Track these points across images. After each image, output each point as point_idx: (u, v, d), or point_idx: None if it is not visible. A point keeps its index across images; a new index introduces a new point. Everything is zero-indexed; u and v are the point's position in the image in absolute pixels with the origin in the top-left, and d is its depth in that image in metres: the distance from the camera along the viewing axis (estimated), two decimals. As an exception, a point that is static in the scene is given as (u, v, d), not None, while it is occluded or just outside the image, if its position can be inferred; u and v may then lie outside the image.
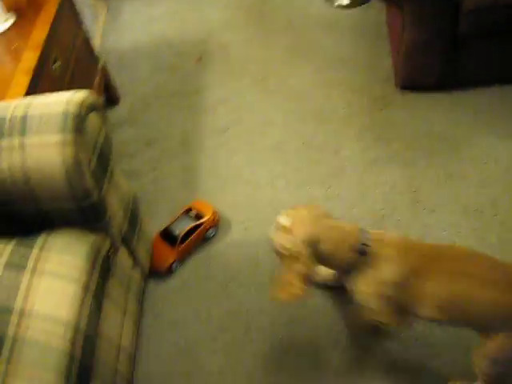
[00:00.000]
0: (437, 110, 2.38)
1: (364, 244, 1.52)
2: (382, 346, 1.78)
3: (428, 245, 1.58)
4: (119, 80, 2.77)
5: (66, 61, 2.16)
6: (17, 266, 1.55)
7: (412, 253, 1.51)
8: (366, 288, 1.56)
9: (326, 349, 1.82)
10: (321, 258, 1.55)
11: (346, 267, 1.56)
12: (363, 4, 2.83)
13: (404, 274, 1.48)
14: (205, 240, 2.14)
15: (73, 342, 1.44)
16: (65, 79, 2.13)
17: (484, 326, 1.49)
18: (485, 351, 1.50)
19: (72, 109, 1.56)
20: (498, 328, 1.44)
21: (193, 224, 2.08)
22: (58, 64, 2.09)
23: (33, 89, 1.87)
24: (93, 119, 1.63)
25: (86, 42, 2.40)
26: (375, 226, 2.08)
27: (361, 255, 1.51)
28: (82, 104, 1.58)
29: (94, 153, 1.62)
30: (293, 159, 2.34)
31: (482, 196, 2.11)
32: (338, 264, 1.58)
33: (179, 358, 1.91)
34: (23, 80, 1.87)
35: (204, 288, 2.04)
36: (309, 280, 1.56)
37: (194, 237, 2.07)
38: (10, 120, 1.57)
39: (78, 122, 1.55)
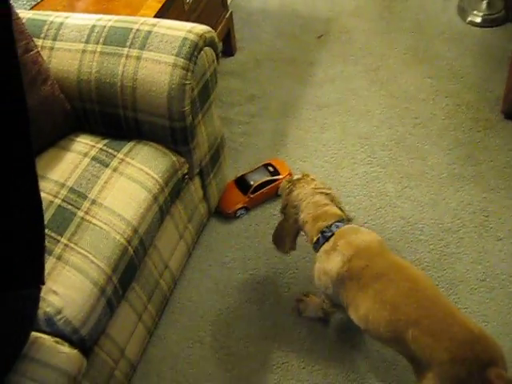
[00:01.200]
0: (535, 148, 2.34)
1: (329, 230, 1.61)
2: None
3: (389, 260, 1.56)
4: (240, 35, 2.89)
5: (198, 0, 2.30)
6: (102, 162, 1.71)
7: (361, 259, 1.53)
8: (316, 271, 1.67)
9: (353, 330, 1.89)
10: (299, 225, 1.72)
11: (312, 243, 1.68)
12: (495, 26, 2.79)
13: (340, 274, 1.55)
14: (274, 197, 2.24)
15: (129, 240, 1.58)
16: (192, 16, 2.27)
17: (407, 355, 1.47)
18: None
19: (191, 37, 1.69)
20: (423, 365, 1.40)
21: (268, 178, 2.18)
22: (190, 0, 2.23)
23: (161, 15, 2.02)
24: (207, 53, 1.75)
25: (221, -11, 2.54)
26: (436, 238, 2.10)
27: (322, 238, 1.62)
28: (201, 35, 1.71)
29: (199, 83, 1.75)
30: (378, 152, 2.37)
31: (554, 242, 2.07)
32: (307, 238, 1.72)
33: (215, 295, 2.03)
34: (155, 5, 2.03)
35: (260, 241, 2.15)
36: (293, 240, 1.79)
37: (265, 190, 2.18)
38: (135, 33, 1.73)
39: (193, 50, 1.68)
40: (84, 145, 1.77)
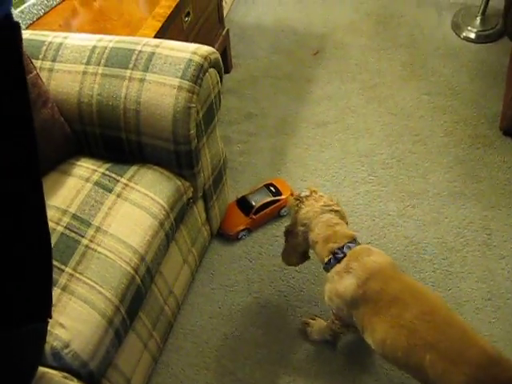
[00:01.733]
0: (534, 165, 2.34)
1: (341, 251, 1.58)
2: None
3: (403, 282, 1.53)
4: (235, 51, 2.87)
5: (196, 18, 2.27)
6: (105, 187, 1.67)
7: (377, 282, 1.50)
8: (327, 291, 1.64)
9: (361, 353, 1.87)
10: (308, 244, 1.70)
11: (323, 264, 1.65)
12: (489, 42, 2.81)
13: (355, 297, 1.52)
14: (277, 217, 2.21)
15: (136, 269, 1.53)
16: (190, 34, 2.24)
17: (424, 381, 1.44)
18: None
19: (196, 59, 1.66)
20: None
21: (270, 199, 2.15)
22: (189, 18, 2.20)
23: (161, 34, 1.98)
24: (211, 75, 1.72)
25: (218, 6, 2.51)
26: (440, 257, 2.09)
27: (334, 260, 1.59)
28: (206, 57, 1.68)
29: (204, 106, 1.71)
30: (379, 170, 2.36)
31: (558, 259, 2.07)
32: (318, 257, 1.69)
33: (219, 320, 1.98)
34: (155, 24, 1.99)
35: (263, 263, 2.12)
36: (302, 256, 1.78)
37: (268, 211, 2.15)
38: (138, 54, 1.69)
39: (199, 73, 1.65)
40: (85, 169, 1.72)
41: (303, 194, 1.74)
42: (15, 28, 0.90)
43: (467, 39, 2.84)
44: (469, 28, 2.85)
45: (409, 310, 1.46)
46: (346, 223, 1.69)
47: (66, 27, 2.01)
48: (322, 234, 1.63)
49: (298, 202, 1.72)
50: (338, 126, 2.54)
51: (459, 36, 2.86)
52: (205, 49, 1.71)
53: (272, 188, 2.18)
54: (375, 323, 1.49)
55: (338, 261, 1.58)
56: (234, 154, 2.43)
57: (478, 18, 2.84)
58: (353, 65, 2.79)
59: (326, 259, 1.61)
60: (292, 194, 2.17)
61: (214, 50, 1.73)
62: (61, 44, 1.76)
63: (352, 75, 2.75)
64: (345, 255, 1.58)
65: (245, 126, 2.57)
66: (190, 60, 1.65)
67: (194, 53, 1.67)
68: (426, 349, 1.39)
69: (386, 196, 2.28)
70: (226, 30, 2.58)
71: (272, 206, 2.15)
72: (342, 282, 1.55)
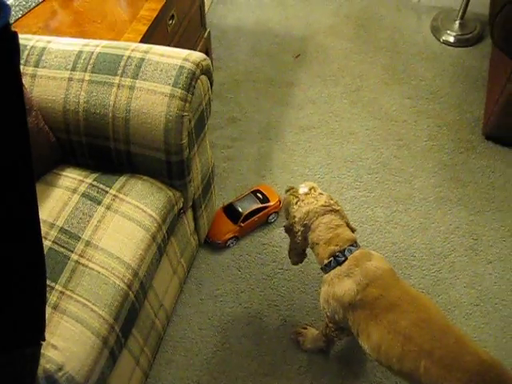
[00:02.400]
0: (517, 169, 2.37)
1: (342, 254, 1.56)
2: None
3: (401, 289, 1.53)
4: (216, 54, 2.81)
5: (180, 21, 2.21)
6: (93, 199, 1.60)
7: (376, 288, 1.50)
8: (324, 293, 1.62)
9: (354, 361, 1.85)
10: (308, 243, 1.67)
11: (322, 265, 1.63)
12: (469, 46, 2.83)
13: (353, 302, 1.51)
14: (265, 224, 2.17)
15: (129, 285, 1.48)
16: (174, 37, 2.18)
17: None
18: None
19: (188, 65, 1.61)
20: None
21: (258, 206, 2.11)
22: (173, 21, 2.14)
23: (147, 38, 1.92)
24: (203, 81, 1.67)
25: (200, 8, 2.45)
26: (428, 263, 2.09)
27: (335, 262, 1.57)
28: (198, 64, 1.63)
29: (196, 114, 1.66)
30: (365, 176, 2.35)
31: (543, 263, 2.10)
32: (316, 258, 1.66)
33: (209, 331, 1.94)
34: (141, 28, 1.93)
35: (251, 272, 2.08)
36: (298, 255, 1.74)
37: (256, 218, 2.11)
38: (127, 60, 1.63)
39: (191, 80, 1.60)
40: (72, 180, 1.65)
41: (302, 191, 1.68)
42: (14, 38, 0.85)
43: (447, 43, 2.85)
44: (448, 32, 2.86)
45: (406, 317, 1.46)
46: (347, 223, 1.65)
47: (46, 30, 1.92)
48: (323, 236, 1.60)
49: (296, 199, 1.66)
50: (323, 130, 2.52)
51: (439, 40, 2.87)
52: (196, 55, 1.65)
53: (259, 194, 2.15)
54: (371, 328, 1.49)
55: (339, 263, 1.56)
56: (218, 159, 2.38)
57: (457, 22, 2.86)
58: (335, 68, 2.77)
59: (326, 261, 1.58)
60: (279, 200, 2.15)
61: (205, 57, 1.68)
62: (44, 48, 1.68)
63: (335, 79, 2.73)
64: (346, 258, 1.55)
65: (228, 130, 2.52)
66: (182, 67, 1.60)
67: (186, 59, 1.62)
68: (421, 356, 1.40)
69: (372, 202, 2.27)
70: (207, 32, 2.52)
71: (260, 213, 2.11)
72: (342, 286, 1.53)
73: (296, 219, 1.64)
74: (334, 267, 1.56)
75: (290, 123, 2.55)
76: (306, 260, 2.00)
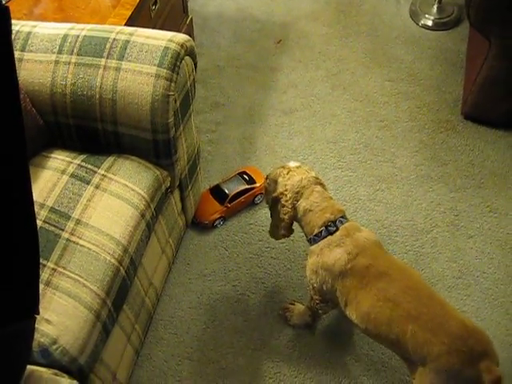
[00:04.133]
0: (495, 147, 2.42)
1: (334, 225, 1.61)
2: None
3: (389, 260, 1.60)
4: (198, 40, 2.83)
5: (162, 6, 2.24)
6: (82, 179, 1.63)
7: (366, 257, 1.56)
8: (312, 264, 1.66)
9: (340, 335, 1.91)
10: (296, 212, 1.68)
11: (310, 235, 1.66)
12: (447, 30, 2.88)
13: (343, 271, 1.56)
14: (251, 205, 2.21)
15: (120, 261, 1.51)
16: (157, 23, 2.21)
17: (403, 353, 1.52)
18: None
19: (173, 46, 1.64)
20: (417, 361, 1.47)
21: (245, 187, 2.15)
22: (156, 7, 2.17)
23: (130, 23, 1.95)
24: (187, 62, 1.70)
25: (182, -5, 2.48)
26: (411, 239, 2.14)
27: (326, 232, 1.61)
28: (182, 44, 1.66)
29: (181, 94, 1.70)
30: (348, 156, 2.39)
31: (521, 237, 2.16)
32: (305, 228, 1.68)
33: (198, 310, 1.98)
34: (124, 13, 1.96)
35: (238, 251, 2.12)
36: (286, 227, 1.72)
37: (243, 199, 2.15)
38: (112, 42, 1.65)
39: (176, 60, 1.63)
40: (60, 161, 1.68)
41: (293, 164, 1.73)
42: (4, 12, 0.87)
43: (425, 27, 2.91)
44: (426, 16, 2.92)
45: (394, 284, 1.52)
46: None
47: (31, 16, 1.94)
48: (319, 202, 1.64)
49: (288, 170, 1.71)
50: (305, 113, 2.56)
51: (417, 24, 2.92)
52: (181, 36, 1.69)
53: (246, 176, 2.18)
54: (361, 297, 1.54)
55: (330, 233, 1.60)
56: (202, 143, 2.41)
57: (435, 6, 2.91)
58: (316, 53, 2.81)
59: (317, 230, 1.62)
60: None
61: (189, 38, 1.71)
62: (29, 33, 1.70)
63: (316, 63, 2.77)
64: (337, 229, 1.60)
65: (212, 115, 2.55)
66: (167, 48, 1.63)
67: (171, 40, 1.65)
68: (408, 321, 1.46)
69: (355, 181, 2.32)
70: (190, 18, 2.55)
71: (246, 194, 2.15)
72: (332, 255, 1.58)
73: (288, 187, 1.66)
74: (325, 237, 1.61)
75: (273, 107, 2.59)
76: (291, 238, 2.05)
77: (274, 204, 1.72)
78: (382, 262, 1.56)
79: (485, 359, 1.41)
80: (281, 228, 1.73)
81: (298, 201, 1.65)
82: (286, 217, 1.68)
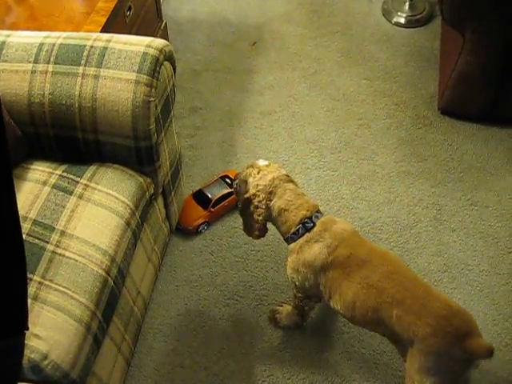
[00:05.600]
0: (472, 141, 2.45)
1: (310, 221, 1.61)
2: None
3: (368, 247, 1.61)
4: (173, 46, 2.75)
5: (137, 12, 2.22)
6: (64, 189, 1.61)
7: (346, 248, 1.57)
8: (292, 263, 1.66)
9: (331, 334, 1.90)
10: (271, 212, 1.65)
11: (287, 234, 1.65)
12: (419, 27, 2.91)
13: (324, 264, 1.57)
14: (234, 208, 2.18)
15: (107, 271, 1.49)
16: (133, 28, 2.19)
17: (392, 336, 1.54)
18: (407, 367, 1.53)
19: (152, 52, 1.63)
20: (406, 343, 1.49)
21: (227, 190, 2.13)
22: (130, 12, 2.15)
23: (106, 29, 1.93)
24: (166, 67, 1.69)
25: (156, 0, 2.46)
26: (395, 235, 2.16)
27: (303, 229, 1.61)
28: (161, 50, 1.65)
29: (162, 99, 1.68)
30: (328, 155, 2.40)
31: (502, 228, 2.18)
32: (281, 227, 1.66)
33: (187, 316, 1.96)
34: (100, 19, 1.94)
35: (224, 255, 2.11)
36: (261, 228, 1.69)
37: (226, 203, 2.14)
38: (89, 50, 1.63)
39: (155, 66, 1.62)
40: (40, 172, 1.65)
41: (262, 163, 1.71)
42: None
43: (398, 24, 2.93)
44: (399, 13, 2.94)
45: (377, 270, 1.54)
46: None
47: (3, 25, 1.91)
48: (293, 201, 1.63)
49: (258, 169, 1.68)
50: (284, 114, 2.56)
51: (390, 21, 2.94)
52: (159, 41, 1.67)
53: (228, 180, 2.17)
54: (345, 287, 1.55)
55: (308, 230, 1.60)
56: (182, 148, 2.39)
57: (407, 4, 2.93)
58: (291, 54, 2.82)
59: (295, 229, 1.61)
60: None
61: (168, 43, 1.70)
62: (3, 42, 1.67)
63: (292, 64, 2.77)
64: (314, 225, 1.60)
65: (190, 119, 2.53)
66: (146, 53, 1.62)
67: (149, 46, 1.63)
68: (393, 305, 1.48)
69: (337, 180, 2.33)
70: (164, 23, 2.54)
71: (230, 198, 2.13)
72: (312, 251, 1.58)
73: (260, 187, 1.64)
74: (303, 234, 1.60)
75: (252, 109, 2.58)
76: (277, 240, 2.06)
77: (246, 205, 1.68)
78: (362, 249, 1.58)
79: (471, 337, 1.44)
80: (255, 229, 1.69)
81: (271, 200, 1.64)
82: (261, 218, 1.66)
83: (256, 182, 1.66)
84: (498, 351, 1.84)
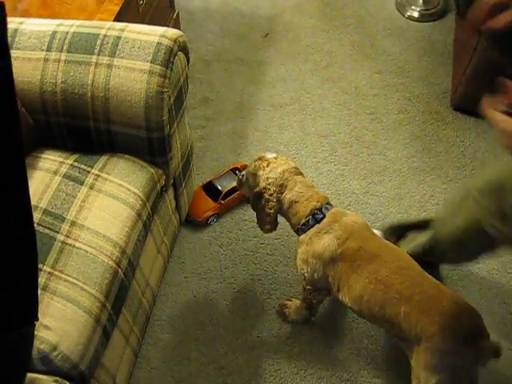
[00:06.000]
0: (485, 138, 2.42)
1: (320, 212, 1.59)
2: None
3: (378, 241, 1.60)
4: (185, 35, 2.79)
5: (150, 1, 2.20)
6: (75, 179, 1.59)
7: (355, 241, 1.55)
8: (302, 254, 1.65)
9: (340, 330, 1.90)
10: (281, 204, 1.65)
11: (297, 226, 1.64)
12: (433, 21, 2.88)
13: (333, 256, 1.55)
14: (244, 201, 2.17)
15: (118, 262, 1.48)
16: (145, 17, 2.17)
17: (398, 333, 1.52)
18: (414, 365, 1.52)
19: (166, 42, 1.61)
20: (413, 340, 1.47)
21: (239, 183, 2.11)
22: (143, 1, 2.12)
23: (119, 18, 1.91)
24: (180, 58, 1.67)
25: (169, -11, 2.44)
26: (405, 231, 2.14)
27: (313, 220, 1.60)
28: (175, 40, 1.63)
29: (175, 90, 1.66)
30: (339, 149, 2.38)
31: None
32: (292, 219, 1.65)
33: (195, 309, 1.96)
34: (113, 8, 1.92)
35: (233, 248, 2.10)
36: (272, 222, 1.68)
37: (236, 195, 2.12)
38: (103, 39, 1.61)
39: (169, 56, 1.60)
40: (51, 162, 1.63)
41: (270, 156, 1.70)
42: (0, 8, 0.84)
43: (411, 18, 2.90)
44: (412, 7, 2.91)
45: (386, 266, 1.52)
46: None
47: (15, 12, 1.89)
48: (304, 192, 1.62)
49: (267, 162, 1.67)
50: (295, 107, 2.54)
51: (403, 15, 2.91)
52: (173, 32, 1.65)
53: (238, 172, 2.15)
54: (353, 280, 1.53)
55: (318, 221, 1.59)
56: (193, 139, 2.36)
57: (420, -2, 2.92)
58: (304, 46, 2.79)
59: (304, 220, 1.60)
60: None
61: (182, 33, 1.68)
62: (16, 30, 1.65)
63: (304, 56, 2.75)
64: (324, 216, 1.59)
65: (201, 110, 2.52)
66: (160, 43, 1.60)
67: (163, 36, 1.61)
68: (401, 301, 1.46)
69: (348, 174, 2.31)
70: (176, 12, 2.51)
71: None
72: (321, 242, 1.57)
73: (270, 180, 1.63)
74: (313, 225, 1.59)
75: (263, 101, 2.56)
76: (286, 233, 2.05)
77: (257, 199, 1.67)
78: (371, 243, 1.56)
79: (479, 336, 1.43)
80: (267, 223, 1.69)
81: (282, 193, 1.63)
82: (272, 211, 1.65)
83: (266, 176, 1.65)
84: (508, 351, 1.83)
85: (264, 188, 1.64)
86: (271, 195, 1.63)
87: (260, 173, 1.67)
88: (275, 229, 1.72)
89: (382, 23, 2.89)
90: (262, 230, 1.74)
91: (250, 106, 2.54)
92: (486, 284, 2.02)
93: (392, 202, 2.22)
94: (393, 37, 2.83)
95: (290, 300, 1.91)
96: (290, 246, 2.08)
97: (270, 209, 1.65)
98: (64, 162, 1.63)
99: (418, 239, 1.83)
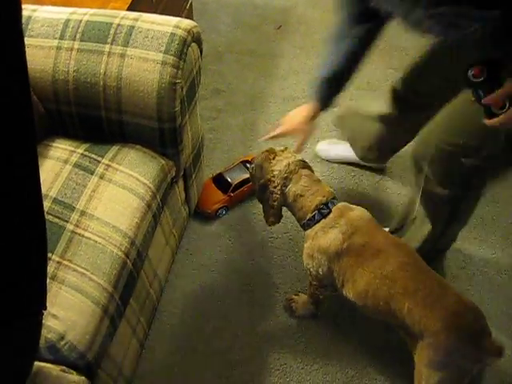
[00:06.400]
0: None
1: (326, 207, 1.58)
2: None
3: (384, 237, 1.58)
4: (198, 26, 2.78)
5: (163, -10, 2.19)
6: (85, 168, 1.59)
7: (361, 236, 1.54)
8: (307, 249, 1.64)
9: (346, 326, 1.89)
10: (286, 198, 1.64)
11: (303, 220, 1.63)
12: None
13: (339, 251, 1.54)
14: (254, 194, 2.16)
15: (127, 253, 1.48)
16: (159, 7, 2.16)
17: (402, 328, 1.51)
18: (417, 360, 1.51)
19: (180, 32, 1.59)
20: (417, 336, 1.46)
21: (248, 176, 2.08)
22: (156, -9, 2.12)
23: (132, 8, 1.90)
24: (194, 49, 1.65)
25: (182, -21, 2.42)
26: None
27: (319, 215, 1.58)
28: (189, 31, 1.62)
29: (188, 81, 1.65)
30: (351, 145, 2.37)
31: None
32: (297, 213, 1.65)
33: (202, 301, 1.95)
34: (126, -3, 1.90)
35: (242, 241, 2.09)
36: (276, 214, 1.68)
37: (246, 188, 2.12)
38: (116, 28, 1.60)
39: (183, 47, 1.58)
40: (62, 150, 1.63)
41: (278, 148, 1.70)
42: None
43: (427, 13, 2.87)
44: (428, 2, 2.88)
45: (391, 261, 1.51)
46: None
47: (28, 0, 1.88)
48: (309, 186, 1.61)
49: (274, 155, 1.67)
50: (307, 100, 2.50)
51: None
52: (187, 22, 1.64)
53: (248, 165, 2.14)
54: (358, 275, 1.53)
55: (323, 216, 1.58)
56: (203, 130, 2.35)
57: (437, -8, 2.87)
58: (317, 39, 2.77)
59: (310, 215, 1.59)
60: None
61: (196, 24, 1.67)
62: (29, 17, 1.65)
63: (317, 50, 2.72)
64: (330, 211, 1.58)
65: (212, 102, 2.51)
66: (173, 34, 1.58)
67: (177, 26, 1.60)
68: (405, 297, 1.46)
69: (358, 170, 2.29)
70: (190, 3, 2.50)
71: (250, 183, 2.09)
72: (327, 237, 1.56)
73: (276, 172, 1.63)
74: (319, 220, 1.58)
75: (275, 94, 2.55)
76: (295, 228, 2.03)
77: (262, 191, 1.67)
78: (377, 239, 1.55)
79: (482, 335, 1.42)
80: (270, 215, 1.68)
81: (286, 186, 1.62)
82: (276, 203, 1.64)
83: (271, 168, 1.64)
84: (514, 351, 1.82)
85: (269, 180, 1.64)
86: (275, 187, 1.63)
87: (266, 165, 1.66)
88: (279, 221, 1.71)
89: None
90: (266, 222, 1.74)
91: (261, 98, 2.53)
92: (495, 283, 2.00)
93: (402, 199, 2.21)
94: (408, 32, 2.79)
95: (298, 295, 1.91)
96: (299, 240, 2.07)
97: (274, 201, 1.64)
98: (75, 151, 1.63)
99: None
